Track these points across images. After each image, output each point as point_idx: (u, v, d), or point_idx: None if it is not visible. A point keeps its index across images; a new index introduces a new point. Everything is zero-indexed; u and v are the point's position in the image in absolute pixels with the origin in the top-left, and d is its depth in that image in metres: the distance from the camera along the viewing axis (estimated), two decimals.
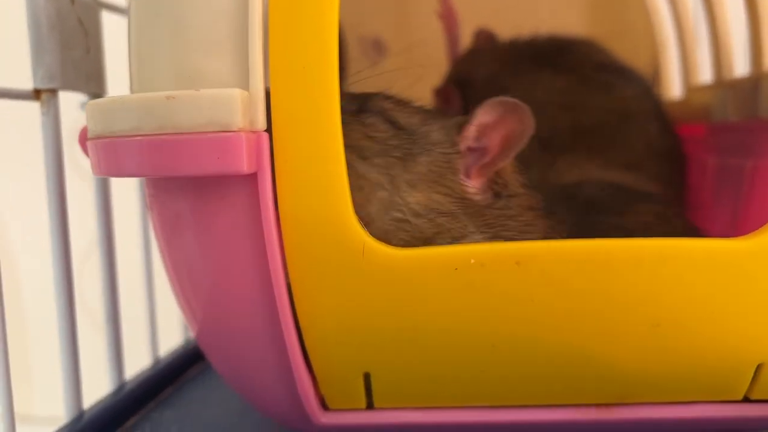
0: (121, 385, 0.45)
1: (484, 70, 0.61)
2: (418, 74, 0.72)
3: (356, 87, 0.37)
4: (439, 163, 0.33)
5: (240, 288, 0.31)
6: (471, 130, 0.34)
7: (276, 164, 0.29)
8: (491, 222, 0.33)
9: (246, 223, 0.30)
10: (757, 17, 0.46)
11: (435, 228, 0.32)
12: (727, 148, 0.53)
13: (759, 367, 0.31)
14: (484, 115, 0.33)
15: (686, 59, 0.62)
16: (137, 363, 0.49)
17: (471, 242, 0.32)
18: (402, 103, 0.36)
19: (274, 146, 0.29)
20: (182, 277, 0.33)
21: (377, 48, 0.79)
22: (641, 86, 0.59)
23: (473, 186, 0.34)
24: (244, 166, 0.28)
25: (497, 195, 0.34)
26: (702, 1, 0.54)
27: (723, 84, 0.54)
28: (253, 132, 0.28)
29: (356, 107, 0.34)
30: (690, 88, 0.62)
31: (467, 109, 0.59)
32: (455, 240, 0.32)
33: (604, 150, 0.55)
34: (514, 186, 0.35)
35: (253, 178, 0.29)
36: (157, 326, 0.54)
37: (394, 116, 0.34)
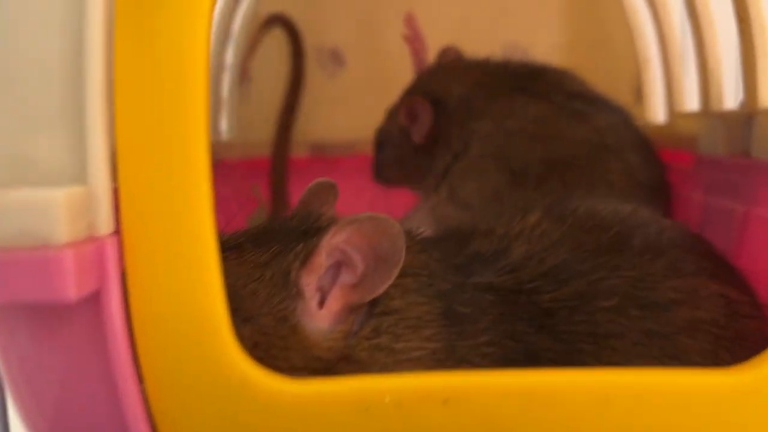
0: None
1: (458, 89, 0.55)
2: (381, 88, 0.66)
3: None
4: (266, 330, 0.26)
5: (90, 425, 0.24)
6: (320, 257, 0.27)
7: (128, 276, 0.22)
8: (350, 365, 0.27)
9: (93, 350, 0.23)
10: (752, 51, 0.39)
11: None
12: (715, 185, 0.48)
13: None
14: (337, 235, 0.26)
15: (671, 84, 0.57)
16: None
17: None
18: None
19: (125, 253, 0.22)
20: (24, 399, 0.26)
21: (335, 59, 0.73)
22: (619, 116, 0.54)
23: (326, 318, 0.27)
24: (71, 292, 0.20)
25: (371, 315, 0.27)
26: (690, 27, 0.48)
27: (711, 114, 0.49)
28: (92, 240, 0.21)
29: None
30: (675, 113, 0.57)
31: (439, 128, 0.54)
32: None
33: (581, 183, 0.51)
34: (393, 298, 0.28)
35: (95, 297, 0.22)
36: None
37: None
